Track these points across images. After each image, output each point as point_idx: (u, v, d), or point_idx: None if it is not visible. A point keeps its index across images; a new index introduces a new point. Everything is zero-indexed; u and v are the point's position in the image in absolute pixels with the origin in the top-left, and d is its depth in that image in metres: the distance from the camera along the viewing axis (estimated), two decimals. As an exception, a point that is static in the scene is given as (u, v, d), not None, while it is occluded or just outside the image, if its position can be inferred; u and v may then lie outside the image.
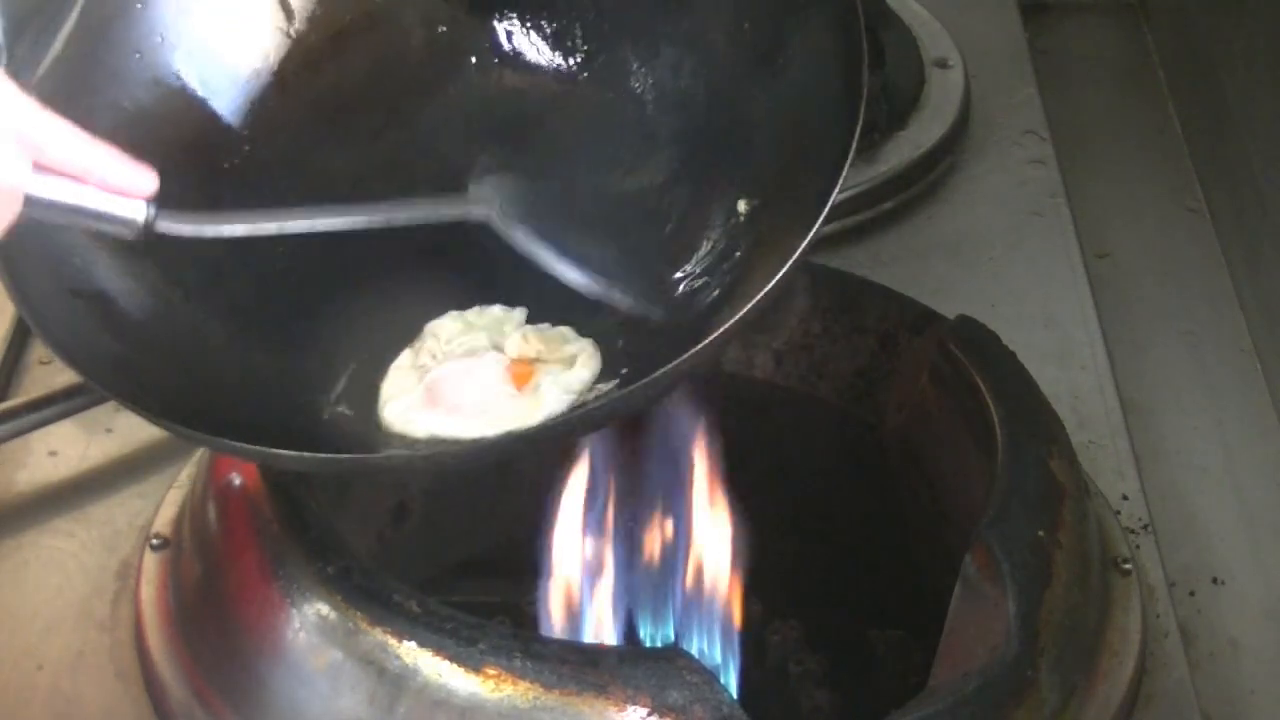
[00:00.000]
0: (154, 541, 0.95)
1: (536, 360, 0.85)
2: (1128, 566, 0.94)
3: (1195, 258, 1.25)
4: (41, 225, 0.75)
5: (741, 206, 0.88)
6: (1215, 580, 1.00)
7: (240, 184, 0.89)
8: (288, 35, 0.92)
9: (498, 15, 0.95)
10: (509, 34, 0.95)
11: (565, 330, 0.86)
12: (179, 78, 0.89)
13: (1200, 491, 1.06)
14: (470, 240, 0.88)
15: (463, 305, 0.88)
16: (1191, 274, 1.23)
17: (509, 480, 1.02)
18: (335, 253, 0.87)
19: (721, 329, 0.76)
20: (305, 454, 0.77)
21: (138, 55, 0.88)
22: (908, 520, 1.01)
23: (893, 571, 1.00)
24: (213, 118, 0.90)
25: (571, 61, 0.94)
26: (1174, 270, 1.23)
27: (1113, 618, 0.91)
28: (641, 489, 0.98)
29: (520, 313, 0.88)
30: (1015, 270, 1.19)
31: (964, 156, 1.28)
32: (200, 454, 0.97)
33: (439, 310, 0.88)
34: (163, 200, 0.78)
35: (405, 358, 0.86)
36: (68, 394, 1.02)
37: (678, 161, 0.91)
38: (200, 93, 0.90)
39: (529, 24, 0.95)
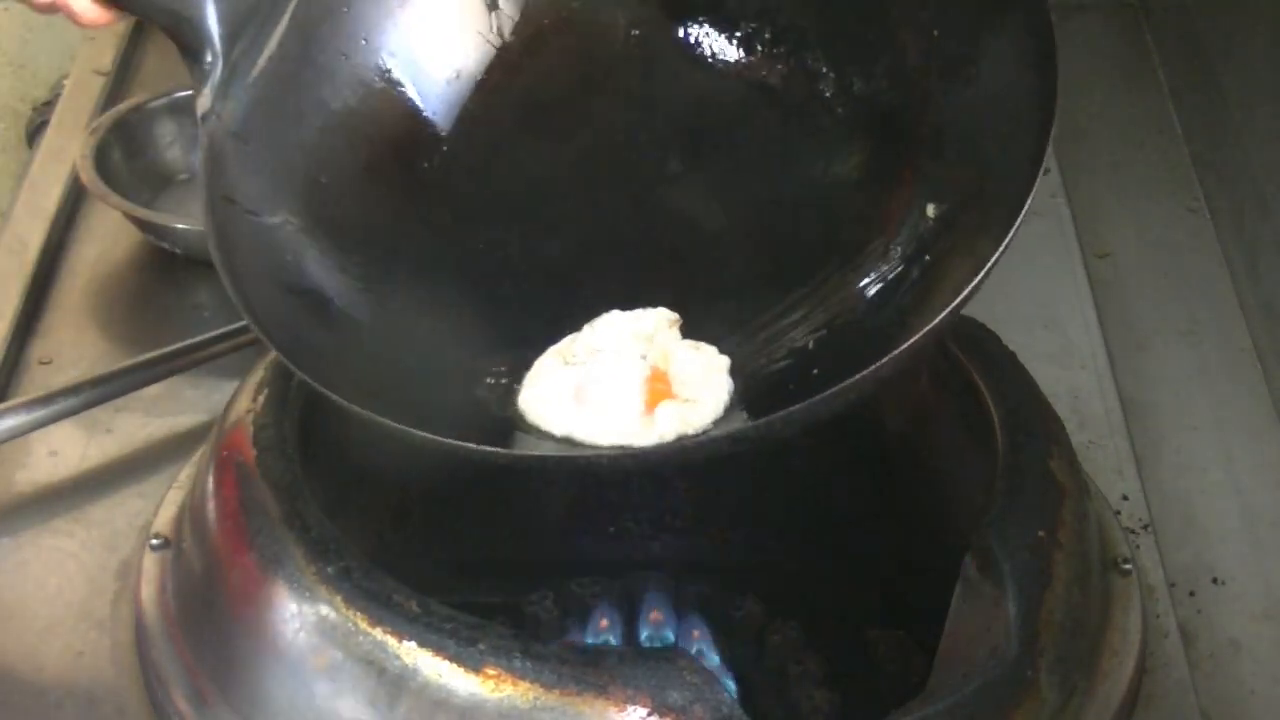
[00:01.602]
0: (154, 541, 0.95)
1: (669, 384, 0.86)
2: (1128, 566, 0.94)
3: (1195, 258, 1.24)
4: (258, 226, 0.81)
5: (930, 211, 0.87)
6: (1215, 580, 1.00)
7: (438, 182, 0.92)
8: (487, 39, 0.95)
9: (690, 18, 0.96)
10: (700, 37, 0.96)
11: (711, 355, 0.87)
12: (382, 79, 0.92)
13: (1200, 491, 1.06)
14: (651, 241, 0.92)
15: (628, 305, 0.89)
16: (1191, 274, 1.23)
17: (514, 484, 1.03)
18: (518, 245, 0.92)
19: (908, 342, 0.77)
20: (495, 449, 0.80)
21: (344, 56, 0.90)
22: (908, 520, 1.01)
23: (893, 571, 1.00)
24: (414, 118, 0.93)
25: (762, 65, 0.95)
26: (1174, 270, 1.23)
27: (1113, 618, 0.91)
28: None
29: (673, 321, 0.88)
30: (1015, 270, 1.18)
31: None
32: (200, 454, 0.98)
33: (602, 308, 0.89)
34: (363, 197, 0.85)
35: (556, 350, 0.88)
36: (68, 394, 1.02)
37: (866, 166, 0.91)
38: (403, 94, 0.92)
39: (720, 27, 0.95)
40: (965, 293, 0.77)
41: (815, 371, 0.84)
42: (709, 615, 1.00)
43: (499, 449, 0.82)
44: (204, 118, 0.85)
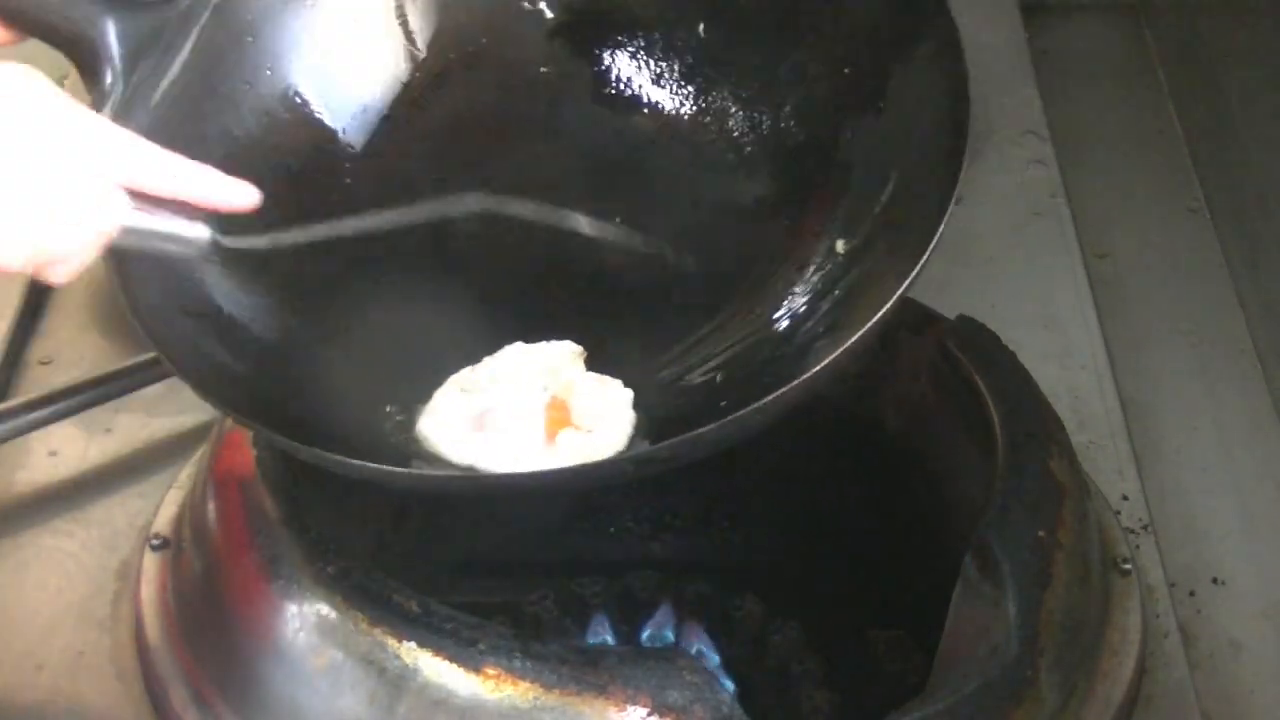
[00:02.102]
0: (154, 541, 0.96)
1: (569, 414, 0.86)
2: (1128, 566, 0.94)
3: (1195, 258, 1.24)
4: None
5: (840, 247, 0.88)
6: (1215, 580, 1.00)
7: (343, 211, 0.90)
8: (394, 72, 0.94)
9: (599, 56, 0.96)
10: (610, 75, 0.96)
11: (615, 388, 0.87)
12: (287, 109, 0.91)
13: (1200, 491, 1.06)
14: (559, 274, 0.92)
15: (534, 338, 0.89)
16: (1191, 274, 1.23)
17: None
18: (428, 276, 0.91)
19: (803, 376, 0.77)
20: (396, 469, 0.80)
21: (247, 85, 0.90)
22: (908, 520, 1.01)
23: (893, 571, 1.00)
24: (319, 149, 0.92)
25: (671, 102, 0.95)
26: (1174, 270, 1.23)
27: (1113, 618, 0.91)
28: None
29: (578, 354, 0.88)
30: (1015, 270, 1.19)
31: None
32: (200, 454, 0.98)
33: (507, 340, 0.89)
34: (266, 225, 0.83)
35: (456, 379, 0.87)
36: (68, 394, 1.02)
37: (775, 201, 0.92)
38: (307, 124, 0.92)
39: (630, 65, 0.96)
40: (866, 328, 0.77)
41: (723, 404, 0.83)
42: (709, 615, 1.00)
43: (399, 469, 0.81)
44: None
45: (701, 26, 0.94)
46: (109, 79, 0.83)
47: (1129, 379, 1.12)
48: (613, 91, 0.96)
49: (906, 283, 0.77)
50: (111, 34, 0.83)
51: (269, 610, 0.83)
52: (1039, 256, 1.20)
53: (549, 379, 0.87)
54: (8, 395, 1.08)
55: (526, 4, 0.96)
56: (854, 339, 0.77)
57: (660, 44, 0.95)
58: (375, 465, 0.78)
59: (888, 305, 0.76)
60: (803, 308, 0.87)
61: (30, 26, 0.82)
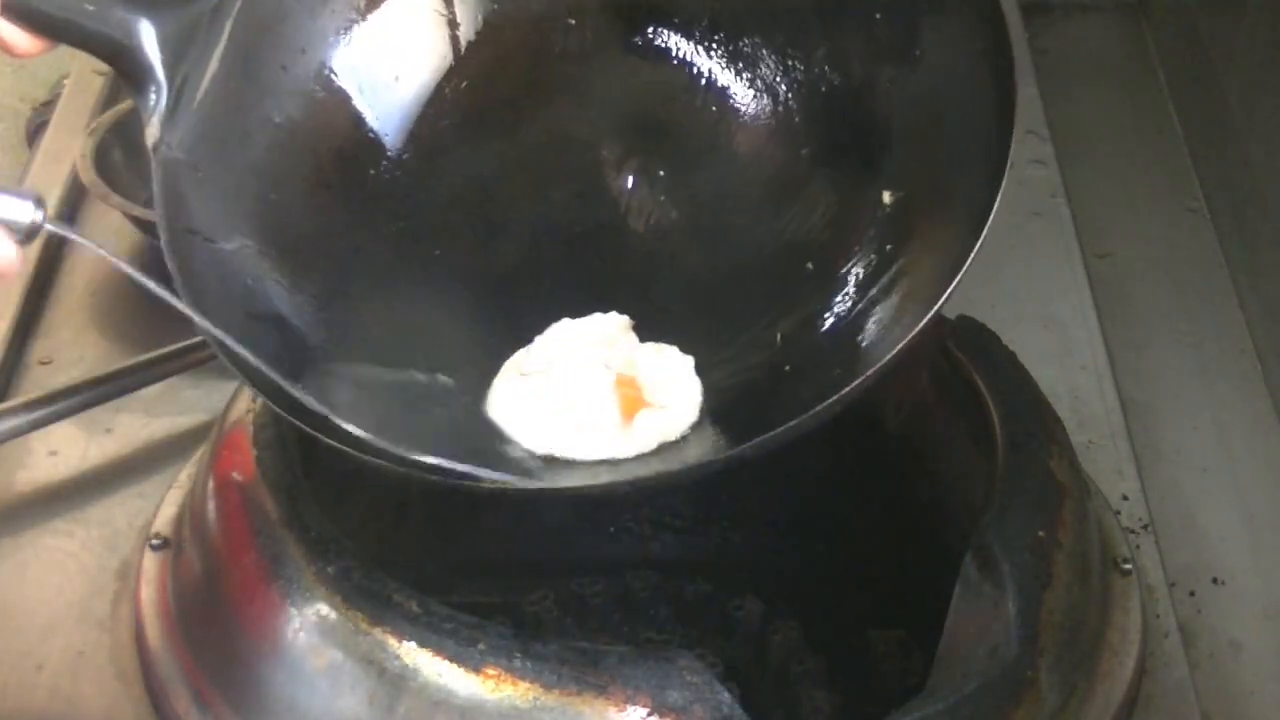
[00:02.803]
0: (154, 541, 0.95)
1: (640, 390, 0.85)
2: (1128, 566, 0.94)
3: (1195, 258, 1.25)
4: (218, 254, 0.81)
5: (887, 199, 0.86)
6: (1215, 580, 1.00)
7: (385, 191, 0.91)
8: (431, 42, 0.93)
9: (629, 7, 0.95)
10: (641, 25, 0.95)
11: (675, 356, 0.86)
12: (324, 89, 0.90)
13: (1200, 491, 1.06)
14: (602, 245, 0.91)
15: (579, 312, 0.89)
16: (1191, 274, 1.23)
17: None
18: (468, 251, 0.91)
19: (892, 351, 0.76)
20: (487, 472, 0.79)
21: (283, 69, 0.89)
22: (908, 520, 1.01)
23: (893, 571, 1.00)
24: (357, 126, 0.91)
25: (703, 52, 0.94)
26: (1174, 270, 1.23)
27: (1113, 618, 0.91)
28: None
29: (628, 325, 0.88)
30: (1015, 270, 1.19)
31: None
32: (200, 454, 0.98)
33: (555, 315, 0.89)
34: (313, 212, 0.85)
35: (513, 363, 0.87)
36: (68, 394, 1.02)
37: (819, 159, 0.91)
38: (345, 103, 0.91)
39: (660, 15, 0.95)
40: (944, 297, 0.76)
41: (787, 368, 0.84)
42: (709, 615, 1.00)
43: (542, 484, 0.82)
44: (154, 148, 0.82)
45: None
46: (153, 88, 0.82)
47: (1129, 379, 1.12)
48: (643, 42, 0.95)
49: (972, 255, 0.76)
50: (150, 41, 0.81)
51: (269, 610, 0.83)
52: (1039, 256, 1.20)
53: (606, 353, 0.86)
54: (8, 395, 1.08)
55: None
56: (928, 316, 0.76)
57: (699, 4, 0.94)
58: (505, 477, 0.78)
59: (957, 278, 0.76)
60: (861, 274, 0.86)
61: (67, 35, 0.81)
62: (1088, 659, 0.87)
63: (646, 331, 0.88)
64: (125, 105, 1.26)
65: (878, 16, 0.88)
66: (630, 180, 0.94)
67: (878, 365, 0.78)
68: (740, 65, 0.94)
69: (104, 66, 1.33)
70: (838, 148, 0.90)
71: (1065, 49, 1.44)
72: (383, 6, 0.92)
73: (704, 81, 0.94)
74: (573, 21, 0.95)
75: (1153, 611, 0.94)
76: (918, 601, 0.92)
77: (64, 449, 1.05)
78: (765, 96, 0.93)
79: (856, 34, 0.89)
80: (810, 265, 0.88)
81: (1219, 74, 1.29)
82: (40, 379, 1.10)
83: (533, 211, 0.93)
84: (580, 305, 0.89)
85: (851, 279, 0.87)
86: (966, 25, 0.83)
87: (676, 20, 0.94)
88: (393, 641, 0.79)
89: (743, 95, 0.93)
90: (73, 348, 1.13)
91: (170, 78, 0.82)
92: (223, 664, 0.86)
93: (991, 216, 0.77)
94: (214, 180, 0.85)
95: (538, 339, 0.88)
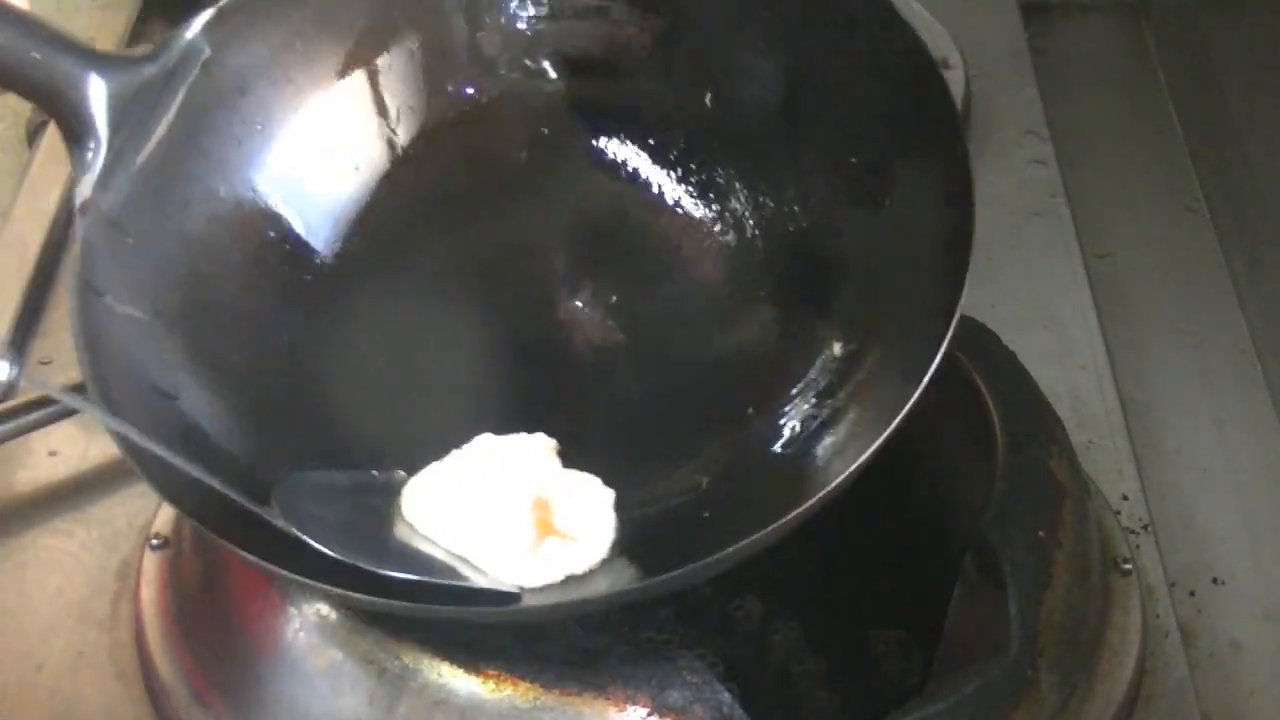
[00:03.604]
0: (154, 541, 0.95)
1: (552, 516, 0.82)
2: (1128, 566, 0.94)
3: (1195, 258, 1.24)
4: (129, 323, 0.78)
5: (838, 349, 0.85)
6: (1215, 580, 1.00)
7: (325, 281, 0.89)
8: (382, 133, 0.91)
9: (600, 121, 0.93)
10: (609, 141, 0.93)
11: (595, 488, 0.83)
12: (277, 169, 0.88)
13: (1200, 491, 1.06)
14: (537, 358, 0.89)
15: (504, 429, 0.85)
16: (1191, 274, 1.23)
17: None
18: (400, 352, 0.88)
19: (815, 497, 0.74)
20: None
21: (237, 143, 0.87)
22: (908, 520, 1.01)
23: (893, 571, 1.00)
24: (306, 210, 0.89)
25: (671, 175, 0.92)
26: (1174, 270, 1.23)
27: (1113, 618, 0.91)
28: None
29: (553, 448, 0.84)
30: (1015, 270, 1.19)
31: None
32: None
33: (480, 428, 0.85)
34: (245, 292, 0.83)
35: (431, 473, 0.83)
36: (67, 394, 1.02)
37: (773, 293, 0.89)
38: (295, 186, 0.89)
39: (630, 134, 0.93)
40: (875, 447, 0.75)
41: (706, 515, 0.81)
42: (709, 615, 1.00)
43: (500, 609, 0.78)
44: (82, 208, 0.79)
45: (708, 97, 0.91)
46: (90, 144, 0.79)
47: (1129, 379, 1.12)
48: (609, 157, 0.93)
49: (909, 405, 0.74)
50: (97, 97, 0.79)
51: (269, 610, 0.83)
52: (1039, 256, 1.20)
53: (526, 474, 0.83)
54: (8, 395, 1.08)
55: (529, 62, 0.93)
56: (855, 465, 0.75)
57: (665, 115, 0.92)
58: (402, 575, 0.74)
59: (890, 428, 0.75)
60: (800, 413, 0.85)
61: (9, 81, 0.78)
62: (1088, 659, 0.87)
63: (572, 458, 0.84)
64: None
65: (852, 160, 0.87)
66: (580, 299, 0.91)
67: (790, 515, 0.75)
68: (711, 195, 0.92)
69: (104, 66, 1.34)
70: (794, 287, 0.88)
71: (1065, 49, 1.44)
72: (352, 89, 0.90)
73: (671, 205, 0.92)
74: (544, 130, 0.93)
75: (1153, 611, 0.94)
76: (918, 601, 0.92)
77: (64, 449, 1.05)
78: (731, 230, 0.91)
79: (829, 174, 0.88)
80: (751, 410, 0.86)
81: (1219, 74, 1.29)
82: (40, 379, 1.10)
83: (475, 318, 0.90)
84: (509, 421, 0.85)
85: (787, 428, 0.85)
86: (933, 171, 0.81)
87: (651, 141, 0.93)
88: (393, 641, 0.79)
89: (708, 225, 0.91)
90: (73, 348, 1.13)
91: (112, 137, 0.80)
92: (223, 664, 0.86)
93: (932, 369, 0.75)
94: (144, 248, 0.82)
95: (454, 452, 0.83)
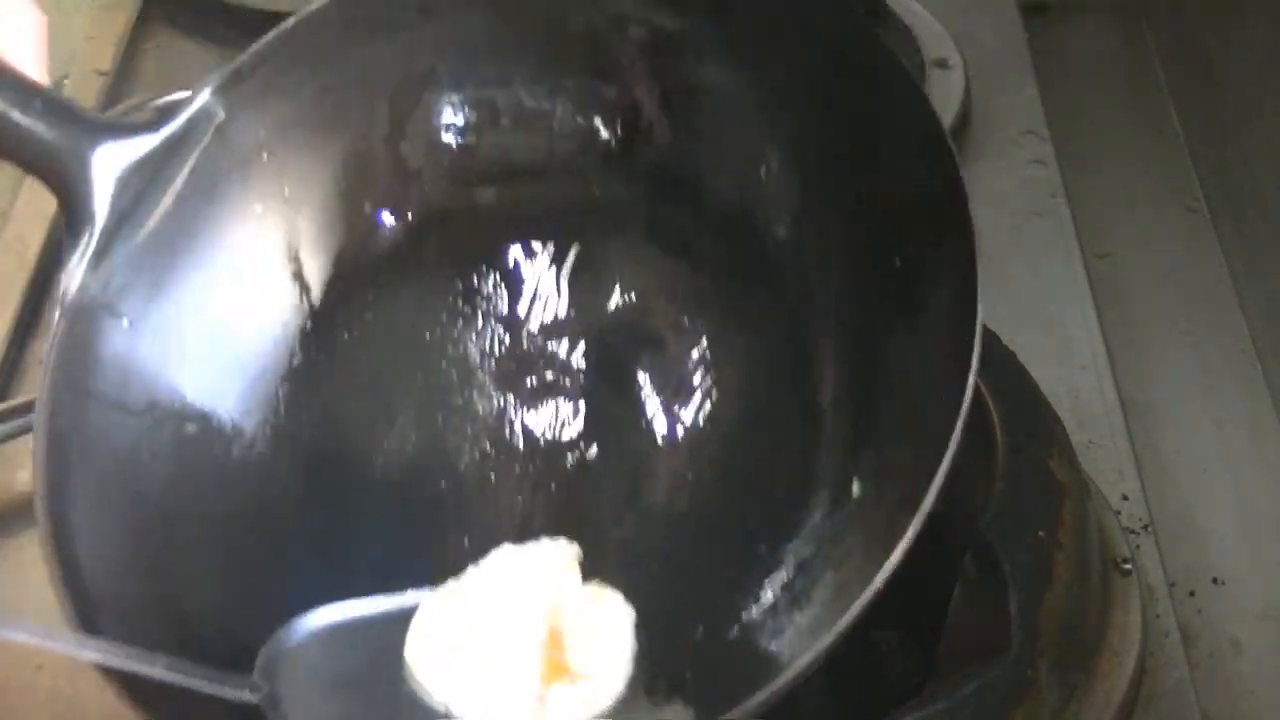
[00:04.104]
0: (154, 541, 0.95)
1: (564, 654, 0.76)
2: (1128, 566, 0.94)
3: (1195, 258, 1.24)
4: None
5: (855, 489, 0.78)
6: (1215, 580, 1.00)
7: (341, 359, 0.84)
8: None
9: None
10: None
11: (615, 607, 0.77)
12: (292, 259, 0.83)
13: (1200, 491, 1.06)
14: (553, 466, 0.84)
15: (521, 537, 0.80)
16: (1191, 274, 1.23)
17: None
18: (408, 459, 0.84)
19: (799, 664, 0.70)
20: None
21: (257, 213, 0.81)
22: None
23: (893, 571, 1.00)
24: (320, 288, 0.84)
25: (669, 292, 0.87)
26: (1174, 270, 1.23)
27: (1113, 618, 0.91)
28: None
29: (574, 558, 0.78)
30: (1015, 270, 1.19)
31: (964, 157, 1.27)
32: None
33: (495, 540, 0.80)
34: (261, 377, 0.79)
35: (443, 594, 0.78)
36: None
37: (783, 430, 0.83)
38: (298, 276, 0.84)
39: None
40: (872, 589, 0.70)
41: (730, 638, 0.77)
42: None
43: None
44: (65, 294, 0.73)
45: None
46: (87, 227, 0.74)
47: (1129, 379, 1.12)
48: (662, 242, 0.87)
49: (901, 550, 0.69)
50: (103, 171, 0.73)
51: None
52: (1039, 256, 1.20)
53: (544, 592, 0.77)
54: (8, 395, 1.08)
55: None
56: (854, 611, 0.70)
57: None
58: None
59: (877, 581, 0.70)
60: (807, 553, 0.79)
61: (8, 151, 0.73)
62: (1088, 659, 0.87)
63: (592, 570, 0.78)
64: (125, 105, 1.26)
65: (862, 289, 0.80)
66: (594, 411, 0.86)
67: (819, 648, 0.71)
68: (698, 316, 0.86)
69: (104, 66, 1.34)
70: (808, 424, 0.81)
71: (1065, 49, 1.44)
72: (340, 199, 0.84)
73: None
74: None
75: (1153, 611, 0.94)
76: (918, 601, 0.92)
77: (64, 449, 1.05)
78: (746, 367, 0.86)
79: (839, 305, 0.81)
80: (761, 546, 0.80)
81: (1219, 74, 1.29)
82: (40, 379, 1.09)
83: (475, 422, 0.85)
84: (527, 531, 0.80)
85: (789, 564, 0.79)
86: (942, 335, 0.74)
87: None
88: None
89: (724, 357, 0.86)
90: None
91: (111, 214, 0.74)
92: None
93: (923, 512, 0.70)
94: (143, 330, 0.76)
95: (471, 568, 0.78)
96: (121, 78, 1.36)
